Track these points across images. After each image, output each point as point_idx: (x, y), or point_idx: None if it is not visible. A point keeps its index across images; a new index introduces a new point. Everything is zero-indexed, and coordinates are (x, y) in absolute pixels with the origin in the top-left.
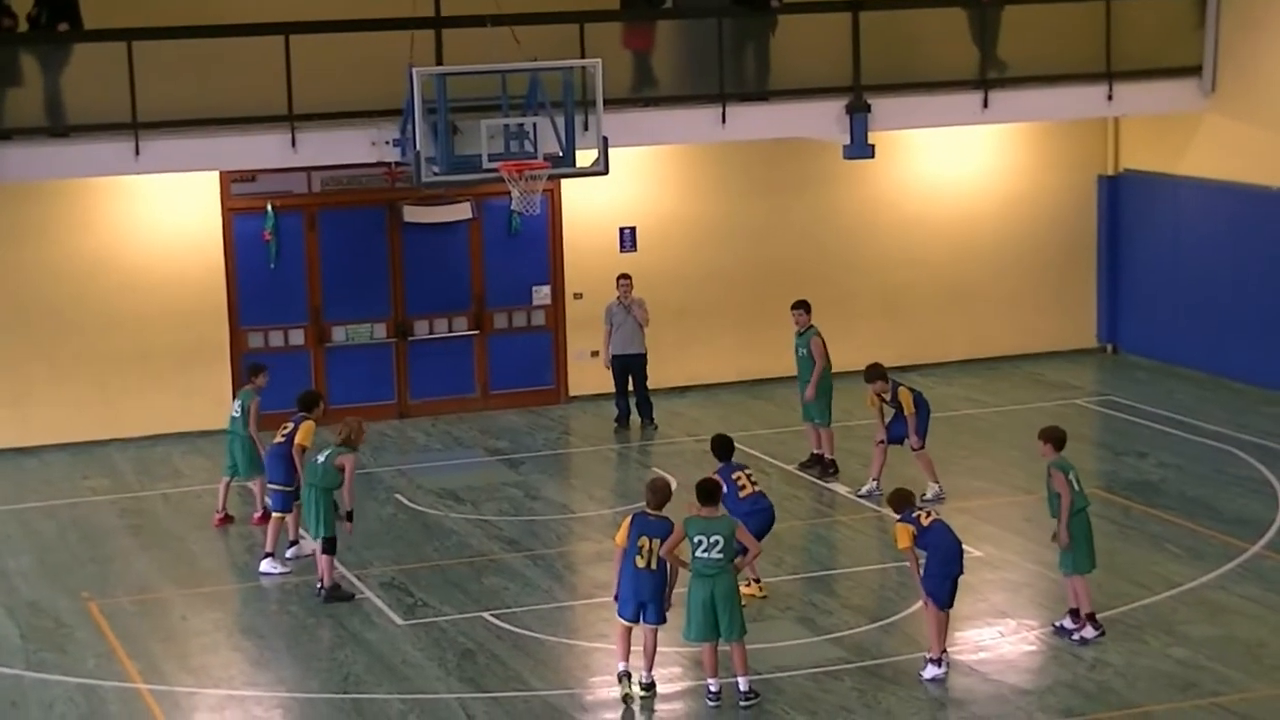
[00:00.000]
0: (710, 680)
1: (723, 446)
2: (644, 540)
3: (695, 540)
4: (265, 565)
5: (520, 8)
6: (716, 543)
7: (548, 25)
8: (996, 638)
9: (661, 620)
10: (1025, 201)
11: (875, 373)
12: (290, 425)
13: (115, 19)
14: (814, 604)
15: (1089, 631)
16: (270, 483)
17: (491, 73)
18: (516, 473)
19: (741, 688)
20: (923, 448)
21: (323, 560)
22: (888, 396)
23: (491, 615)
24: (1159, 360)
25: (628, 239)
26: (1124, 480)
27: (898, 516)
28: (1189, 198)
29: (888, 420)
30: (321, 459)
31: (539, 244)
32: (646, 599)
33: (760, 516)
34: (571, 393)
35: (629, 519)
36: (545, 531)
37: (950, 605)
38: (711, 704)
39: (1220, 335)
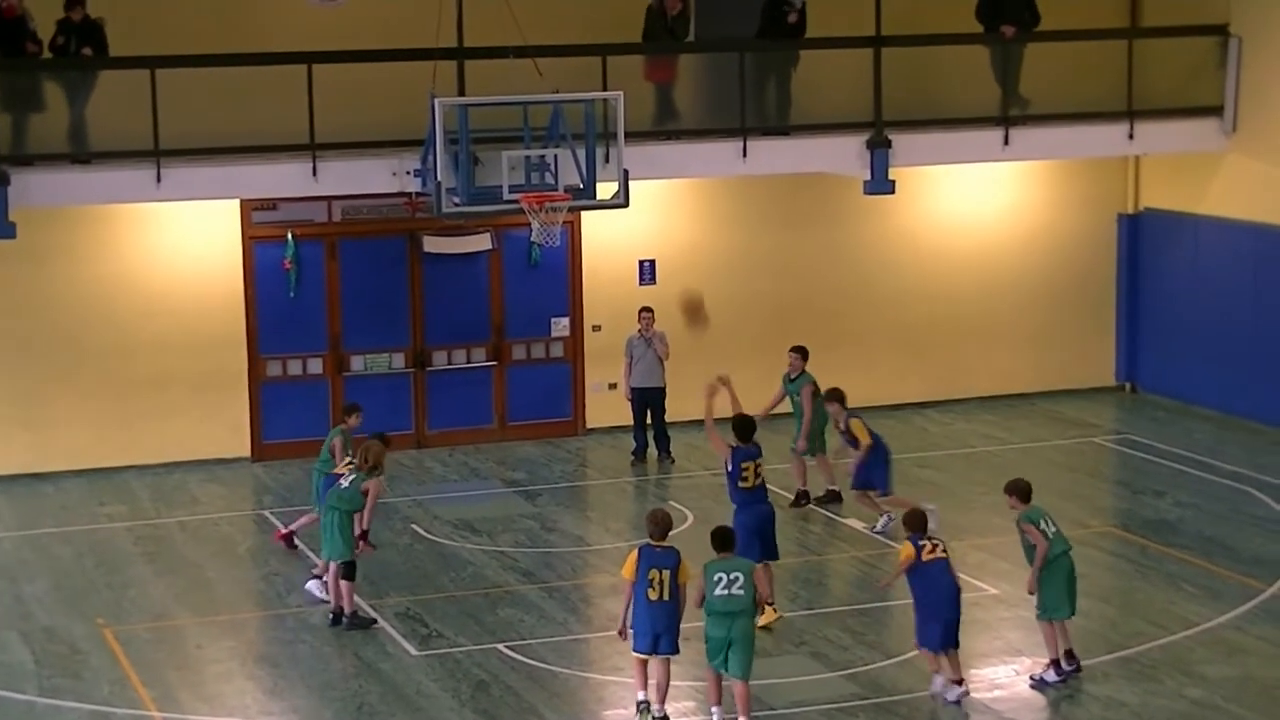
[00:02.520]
0: (714, 708)
1: (744, 428)
2: (654, 573)
3: (715, 579)
4: (312, 585)
5: (543, 39)
6: (736, 579)
7: (570, 57)
8: (1012, 676)
9: (675, 650)
10: (1045, 239)
11: (831, 394)
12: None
13: (139, 46)
14: (828, 639)
15: (1051, 674)
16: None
17: (513, 104)
18: (533, 504)
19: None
20: (864, 490)
21: (343, 586)
22: (842, 424)
23: (506, 647)
24: (1177, 399)
25: (647, 271)
26: (1141, 519)
27: (907, 535)
28: (1209, 237)
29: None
30: (346, 483)
31: (558, 276)
32: (661, 630)
33: (751, 511)
34: (589, 425)
35: (635, 553)
36: (561, 564)
37: (941, 648)
38: None
39: (1239, 375)
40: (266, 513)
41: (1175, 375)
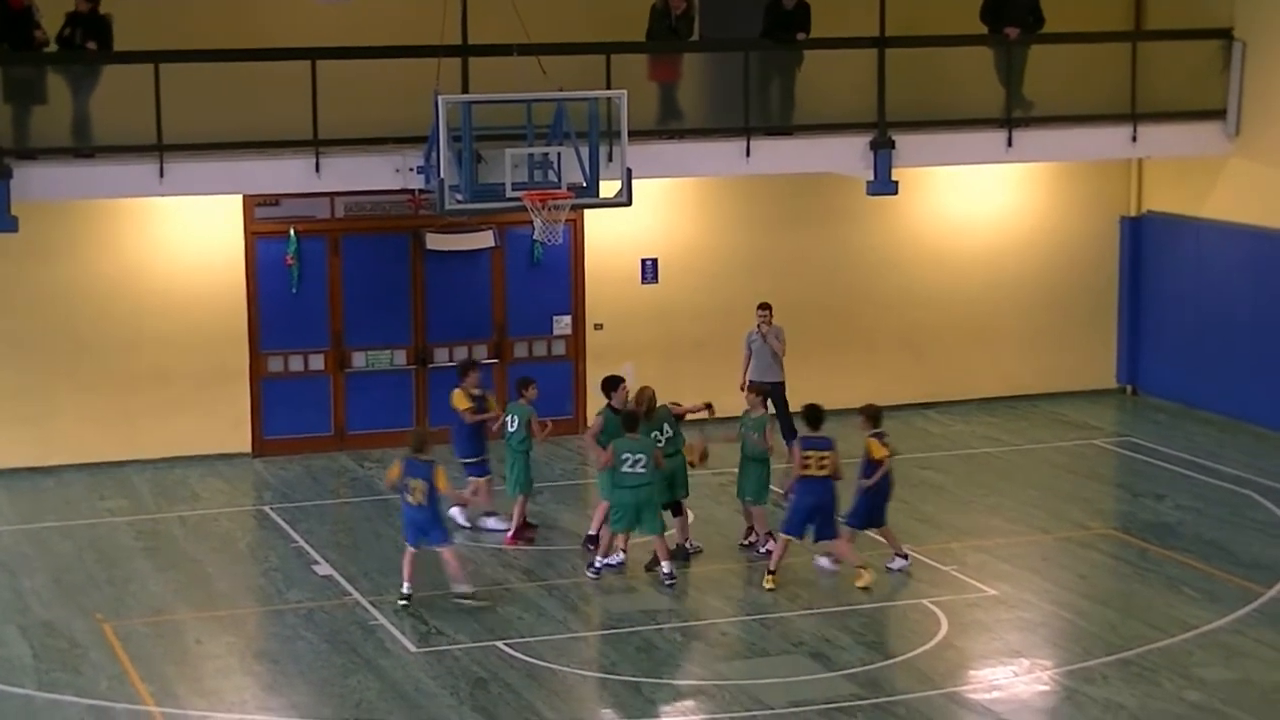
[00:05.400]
0: (616, 555)
1: (813, 416)
2: (413, 481)
3: (623, 457)
4: (491, 522)
5: (547, 37)
6: (640, 459)
7: (574, 55)
8: (1011, 677)
9: (447, 541)
10: (1047, 241)
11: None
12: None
13: (144, 40)
14: (828, 639)
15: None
16: None
17: (517, 102)
18: (533, 502)
19: (665, 570)
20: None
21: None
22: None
23: (505, 645)
24: (1178, 402)
25: (649, 270)
26: (1141, 522)
27: (870, 432)
28: (1211, 240)
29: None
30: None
31: (561, 274)
32: (421, 531)
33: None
34: (590, 423)
35: (399, 463)
36: (560, 562)
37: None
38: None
39: (1240, 378)
40: (267, 508)
41: (1176, 378)
